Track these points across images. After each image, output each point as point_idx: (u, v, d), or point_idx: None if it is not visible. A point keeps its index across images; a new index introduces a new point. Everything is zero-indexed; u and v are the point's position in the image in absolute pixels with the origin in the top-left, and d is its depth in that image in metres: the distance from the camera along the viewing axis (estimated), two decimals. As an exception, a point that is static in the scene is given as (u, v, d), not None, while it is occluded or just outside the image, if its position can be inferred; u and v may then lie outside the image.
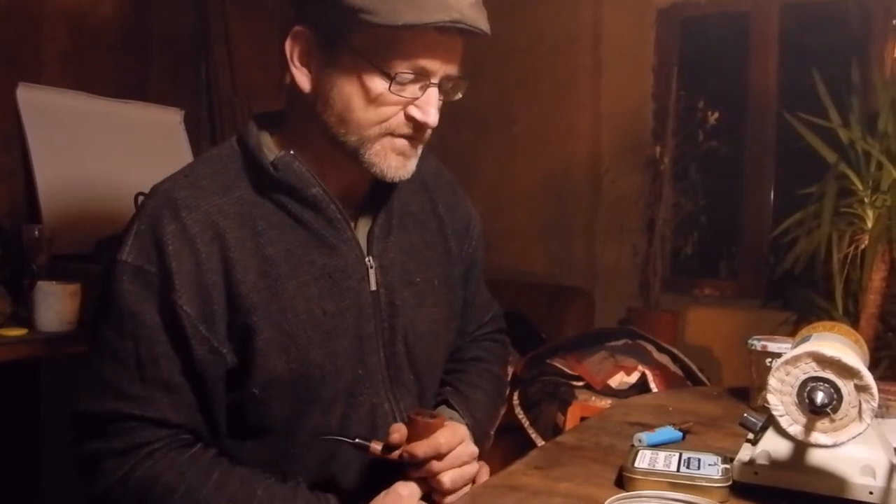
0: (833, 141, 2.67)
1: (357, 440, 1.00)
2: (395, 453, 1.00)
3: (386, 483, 1.03)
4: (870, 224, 2.54)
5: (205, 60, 3.10)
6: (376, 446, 1.00)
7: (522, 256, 3.75)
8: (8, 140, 2.39)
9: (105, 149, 2.61)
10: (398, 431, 0.99)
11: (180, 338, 0.97)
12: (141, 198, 2.40)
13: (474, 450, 1.06)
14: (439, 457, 1.01)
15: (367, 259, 1.06)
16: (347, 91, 0.98)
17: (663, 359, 2.80)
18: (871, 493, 0.85)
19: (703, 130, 3.35)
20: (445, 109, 1.04)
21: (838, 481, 0.86)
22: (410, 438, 1.00)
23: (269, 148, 1.05)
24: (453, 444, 1.02)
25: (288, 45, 1.00)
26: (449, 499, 1.02)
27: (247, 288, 0.98)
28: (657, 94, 3.49)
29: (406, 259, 1.11)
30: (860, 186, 2.57)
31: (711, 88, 3.43)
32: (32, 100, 2.43)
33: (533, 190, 3.75)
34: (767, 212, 3.34)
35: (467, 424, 1.11)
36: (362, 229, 1.09)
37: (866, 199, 2.56)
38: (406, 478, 1.02)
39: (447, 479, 1.01)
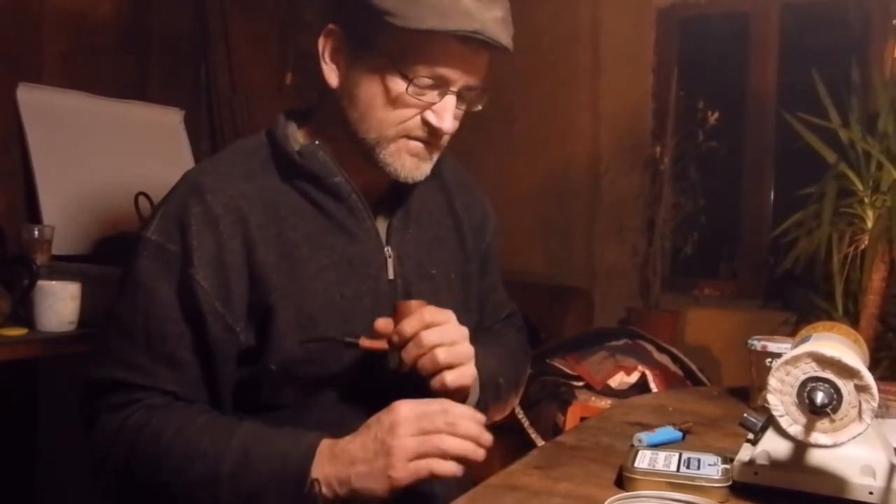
0: (833, 141, 2.67)
1: (347, 339, 1.00)
2: (383, 341, 0.99)
3: None
4: (870, 224, 2.54)
5: (204, 60, 3.10)
6: (365, 340, 1.00)
7: (522, 256, 3.75)
8: (8, 140, 2.39)
9: (105, 149, 2.61)
10: (382, 320, 0.99)
11: (195, 313, 1.00)
12: (142, 198, 2.41)
13: (464, 330, 1.01)
14: (428, 327, 0.97)
15: (385, 249, 1.10)
16: (370, 90, 1.02)
17: (663, 359, 2.80)
18: (870, 493, 0.85)
19: (702, 130, 3.34)
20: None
21: (838, 481, 0.86)
22: (396, 323, 0.98)
23: (296, 139, 1.10)
24: (439, 319, 0.98)
25: (321, 41, 1.05)
26: (449, 377, 0.98)
27: (268, 269, 1.02)
28: (657, 94, 3.49)
29: (422, 253, 1.14)
30: (860, 187, 2.57)
31: (711, 88, 3.42)
32: (32, 100, 2.43)
33: (533, 190, 3.75)
34: (767, 212, 3.34)
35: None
36: (381, 222, 1.12)
37: (866, 200, 2.55)
38: (402, 370, 0.99)
39: (441, 352, 0.97)
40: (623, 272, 3.54)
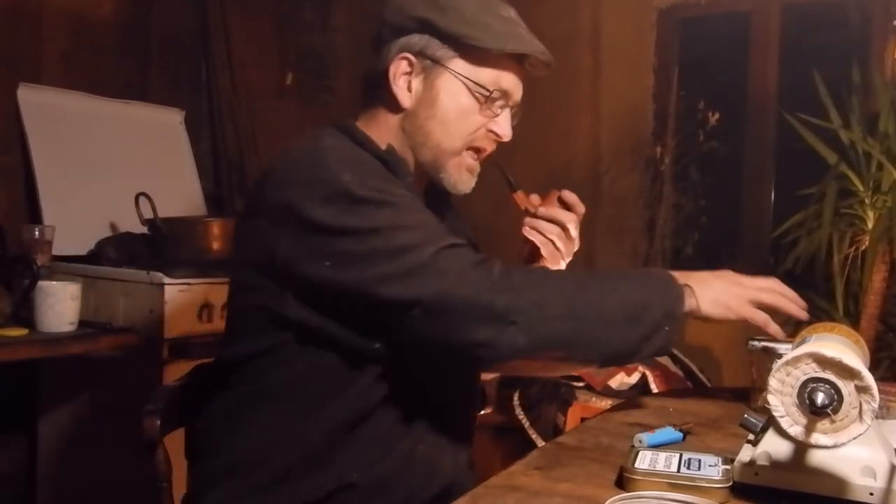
0: (833, 141, 2.66)
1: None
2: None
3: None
4: (870, 225, 2.53)
5: (205, 60, 3.10)
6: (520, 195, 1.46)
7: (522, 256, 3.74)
8: (8, 140, 2.40)
9: (105, 149, 2.61)
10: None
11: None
12: (142, 198, 2.41)
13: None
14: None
15: None
16: (446, 106, 1.15)
17: (663, 359, 2.80)
18: (871, 493, 0.85)
19: (703, 131, 3.34)
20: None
21: (839, 482, 0.86)
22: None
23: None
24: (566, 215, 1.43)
25: (392, 68, 1.15)
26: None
27: None
28: (657, 95, 3.48)
29: None
30: (861, 187, 2.56)
31: (712, 89, 3.42)
32: (33, 100, 2.43)
33: (533, 190, 3.73)
34: (768, 212, 3.34)
35: None
36: None
37: (867, 200, 2.55)
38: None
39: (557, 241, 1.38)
40: (623, 272, 3.53)
